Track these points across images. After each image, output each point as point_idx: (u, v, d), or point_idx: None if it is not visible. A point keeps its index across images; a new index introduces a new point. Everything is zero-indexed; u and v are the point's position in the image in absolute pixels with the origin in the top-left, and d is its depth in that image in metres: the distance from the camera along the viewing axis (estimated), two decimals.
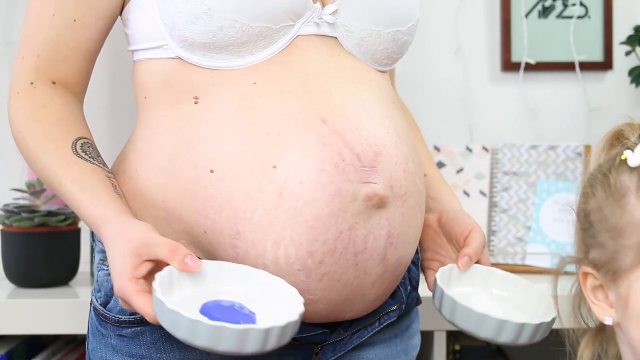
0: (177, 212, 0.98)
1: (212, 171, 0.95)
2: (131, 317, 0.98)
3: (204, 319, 0.81)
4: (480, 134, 1.92)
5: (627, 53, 1.81)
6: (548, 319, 0.99)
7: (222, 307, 0.87)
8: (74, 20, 1.00)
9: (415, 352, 1.13)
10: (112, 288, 1.00)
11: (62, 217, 1.55)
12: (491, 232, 1.76)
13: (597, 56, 1.91)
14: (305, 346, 1.01)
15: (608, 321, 0.85)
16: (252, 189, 0.93)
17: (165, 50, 0.98)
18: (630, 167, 0.83)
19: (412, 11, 1.06)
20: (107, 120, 1.80)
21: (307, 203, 0.92)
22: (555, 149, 1.79)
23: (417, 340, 1.14)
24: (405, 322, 1.11)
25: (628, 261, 0.81)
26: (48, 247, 1.54)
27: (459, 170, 1.81)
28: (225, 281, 0.91)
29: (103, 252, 1.03)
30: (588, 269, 0.87)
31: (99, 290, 1.02)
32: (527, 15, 1.90)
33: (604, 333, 0.90)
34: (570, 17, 1.91)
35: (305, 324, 0.99)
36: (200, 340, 0.81)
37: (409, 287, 1.10)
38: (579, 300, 0.92)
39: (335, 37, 1.02)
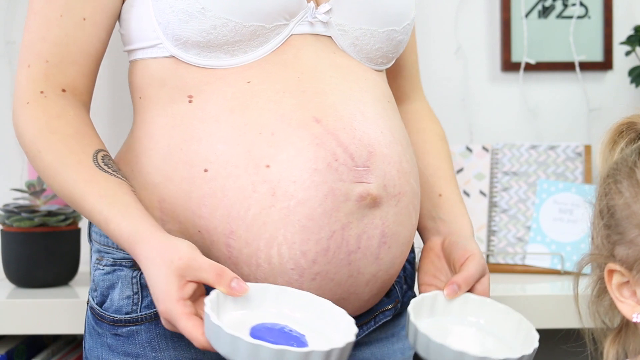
0: (173, 213, 0.98)
1: (206, 170, 0.95)
2: (127, 316, 0.98)
3: (265, 344, 0.80)
4: (480, 134, 1.92)
5: (627, 53, 1.81)
6: (529, 350, 0.93)
7: (271, 330, 0.86)
8: (84, 19, 0.99)
9: (412, 352, 1.13)
10: (108, 287, 1.00)
11: (62, 217, 1.55)
12: (491, 232, 1.76)
13: (597, 56, 1.91)
14: None
15: (636, 318, 0.83)
16: (245, 188, 0.93)
17: (160, 49, 0.98)
18: None
19: (407, 10, 1.05)
20: (107, 121, 1.80)
21: (300, 202, 0.92)
22: (555, 149, 1.79)
23: None
24: (402, 321, 1.11)
25: None
26: (48, 247, 1.54)
27: (459, 170, 1.81)
28: (270, 304, 0.90)
29: (99, 251, 1.03)
30: (614, 267, 0.85)
31: (95, 290, 1.02)
32: (527, 15, 1.90)
33: (627, 330, 0.89)
34: (570, 17, 1.91)
35: None
36: (240, 356, 0.80)
37: (404, 286, 1.10)
38: (598, 298, 0.90)
39: (330, 37, 1.02)
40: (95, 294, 1.02)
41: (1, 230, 1.57)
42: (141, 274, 0.98)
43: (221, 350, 0.82)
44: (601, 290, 0.88)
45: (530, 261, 1.72)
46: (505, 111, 1.93)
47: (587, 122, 1.93)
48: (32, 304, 1.46)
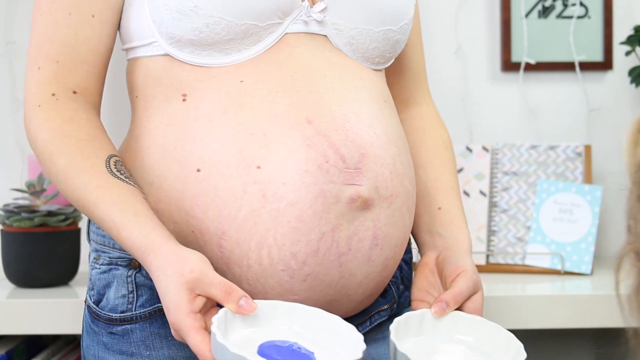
0: (168, 213, 0.98)
1: (198, 170, 0.95)
2: (122, 314, 0.99)
3: (251, 358, 0.79)
4: (480, 134, 1.92)
5: (627, 53, 1.81)
6: None
7: (280, 348, 0.86)
8: (93, 16, 0.99)
9: None
10: (104, 286, 1.01)
11: (62, 217, 1.55)
12: (491, 232, 1.76)
13: (597, 56, 1.91)
14: None
15: None
16: (236, 189, 0.93)
17: (155, 47, 0.98)
18: None
19: (405, 9, 1.05)
20: (106, 120, 1.80)
21: (290, 204, 0.92)
22: (555, 149, 1.79)
23: None
24: None
25: None
26: (48, 247, 1.54)
27: (459, 170, 1.80)
28: (280, 321, 0.90)
29: (96, 250, 1.04)
30: None
31: (92, 289, 1.03)
32: (527, 15, 1.90)
33: None
34: (570, 17, 1.91)
35: None
36: None
37: (401, 287, 1.10)
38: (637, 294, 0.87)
39: (326, 36, 1.01)
40: (92, 292, 1.02)
41: (1, 230, 1.57)
42: (136, 273, 0.99)
43: None
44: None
45: (530, 261, 1.72)
46: (505, 111, 1.93)
47: (587, 122, 1.93)
48: (32, 304, 1.46)
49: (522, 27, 1.90)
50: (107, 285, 1.01)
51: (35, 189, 1.58)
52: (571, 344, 1.93)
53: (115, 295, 1.00)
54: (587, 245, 1.70)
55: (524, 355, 0.94)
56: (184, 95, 0.98)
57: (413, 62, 1.19)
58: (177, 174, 0.96)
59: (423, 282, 1.05)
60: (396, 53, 1.07)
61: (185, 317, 0.85)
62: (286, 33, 0.98)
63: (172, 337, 0.97)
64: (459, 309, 1.00)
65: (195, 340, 0.85)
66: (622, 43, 1.81)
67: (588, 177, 1.77)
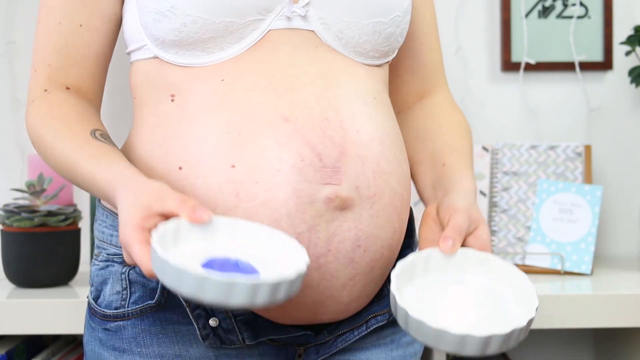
0: None
1: (180, 168, 0.95)
2: (115, 311, 0.99)
3: (212, 275, 0.78)
4: (480, 134, 1.92)
5: (627, 53, 1.81)
6: (522, 323, 0.86)
7: (224, 265, 0.85)
8: (80, 25, 1.02)
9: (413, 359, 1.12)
10: (101, 282, 1.02)
11: (62, 217, 1.55)
12: (491, 232, 1.76)
13: (597, 56, 1.92)
14: (287, 347, 1.01)
15: None
16: (212, 188, 0.93)
17: (146, 50, 1.00)
18: None
19: (395, 1, 1.02)
20: (107, 121, 1.80)
21: (262, 203, 0.92)
22: (555, 149, 1.79)
23: (417, 347, 1.11)
24: (401, 328, 1.09)
25: None
26: (48, 247, 1.54)
27: None
28: (236, 239, 0.88)
29: (97, 247, 1.05)
30: None
31: (92, 285, 1.04)
32: (527, 15, 1.90)
33: None
34: (570, 17, 1.91)
35: (286, 326, 0.99)
36: (185, 287, 0.79)
37: None
38: None
39: (313, 31, 0.99)
40: (92, 288, 1.04)
41: (1, 230, 1.57)
42: (130, 269, 0.99)
43: (167, 282, 0.80)
44: None
45: (530, 261, 1.72)
46: (505, 111, 1.93)
47: (587, 122, 1.93)
48: (32, 304, 1.46)
49: (522, 27, 1.90)
50: (104, 282, 1.01)
51: (35, 189, 1.58)
52: (571, 344, 1.93)
53: (110, 292, 1.00)
54: (587, 245, 1.70)
55: (535, 304, 0.89)
56: (172, 95, 0.98)
57: (429, 59, 1.17)
58: (162, 173, 0.97)
59: (427, 233, 1.00)
60: (392, 47, 1.05)
61: (132, 231, 0.84)
62: (270, 30, 0.98)
63: (163, 334, 0.98)
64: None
65: (139, 251, 0.83)
66: (622, 43, 1.82)
67: (588, 177, 1.77)
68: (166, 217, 0.86)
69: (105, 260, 1.02)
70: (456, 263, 0.95)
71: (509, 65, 1.90)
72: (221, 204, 0.92)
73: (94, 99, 1.05)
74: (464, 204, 0.99)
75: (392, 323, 1.07)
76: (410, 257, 0.93)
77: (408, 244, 1.10)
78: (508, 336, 0.85)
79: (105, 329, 1.00)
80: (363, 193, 0.95)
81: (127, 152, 1.03)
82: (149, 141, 0.99)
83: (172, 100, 0.98)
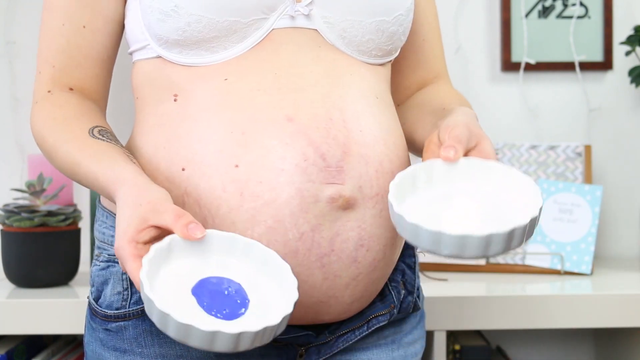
0: None
1: (183, 169, 0.95)
2: (116, 311, 0.99)
3: (196, 324, 0.79)
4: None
5: (627, 53, 1.81)
6: (524, 221, 0.83)
7: (213, 292, 0.85)
8: (83, 27, 1.02)
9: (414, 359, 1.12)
10: (102, 283, 1.02)
11: (62, 217, 1.55)
12: None
13: (597, 56, 1.92)
14: (288, 347, 1.01)
15: None
16: (216, 188, 0.93)
17: (149, 50, 1.00)
18: None
19: (397, 0, 1.02)
20: (110, 120, 1.80)
21: (266, 203, 0.92)
22: (555, 149, 1.79)
23: (418, 348, 1.12)
24: (405, 327, 1.09)
25: None
26: (48, 247, 1.54)
27: None
28: (231, 254, 0.89)
29: (98, 247, 1.05)
30: None
31: (93, 285, 1.04)
32: (527, 15, 1.90)
33: None
34: (570, 17, 1.91)
35: (288, 326, 0.98)
36: (171, 331, 0.80)
37: (402, 292, 1.07)
38: None
39: (316, 30, 0.99)
40: (93, 289, 1.04)
41: (1, 230, 1.57)
42: None
43: (154, 319, 0.81)
44: None
45: (530, 261, 1.72)
46: (505, 111, 1.93)
47: (587, 122, 1.93)
48: (32, 304, 1.46)
49: (522, 27, 1.90)
50: (105, 282, 1.01)
51: (35, 189, 1.58)
52: (571, 344, 1.93)
53: (111, 292, 1.00)
54: (587, 245, 1.70)
55: (540, 203, 0.86)
56: (175, 95, 0.98)
57: (430, 54, 1.18)
58: (166, 174, 0.96)
59: (431, 157, 0.97)
60: (395, 46, 1.05)
61: (126, 244, 0.85)
62: (273, 29, 0.98)
63: (164, 335, 0.98)
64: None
65: (132, 267, 0.84)
66: (622, 43, 1.82)
67: (588, 177, 1.77)
68: (161, 230, 0.87)
69: (106, 261, 1.02)
70: (459, 172, 0.92)
71: (509, 65, 1.90)
72: (225, 204, 0.92)
73: (98, 99, 1.05)
74: (463, 119, 0.96)
75: (393, 323, 1.07)
76: (411, 168, 0.91)
77: (411, 254, 1.10)
78: (509, 235, 0.83)
79: (107, 330, 1.00)
80: (366, 193, 0.95)
81: (129, 153, 1.03)
82: (152, 141, 0.99)
83: (175, 100, 0.98)
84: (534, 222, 0.85)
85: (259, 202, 0.92)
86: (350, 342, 1.03)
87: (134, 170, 0.92)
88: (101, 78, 1.05)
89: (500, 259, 1.74)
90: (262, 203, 0.92)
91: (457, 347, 1.62)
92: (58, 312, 1.45)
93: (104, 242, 1.03)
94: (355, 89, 0.99)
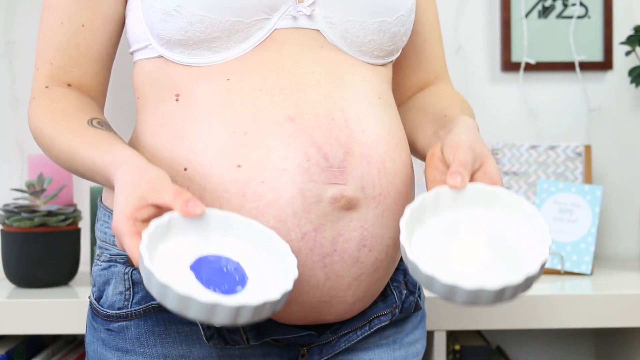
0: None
1: (185, 169, 0.95)
2: (118, 311, 0.99)
3: (195, 295, 0.78)
4: (480, 134, 1.91)
5: (627, 53, 1.81)
6: (535, 269, 0.84)
7: (212, 269, 0.85)
8: (82, 26, 1.02)
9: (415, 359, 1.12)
10: (104, 283, 1.02)
11: (62, 217, 1.55)
12: None
13: (597, 56, 1.92)
14: (290, 347, 1.01)
15: None
16: (218, 188, 0.93)
17: (150, 50, 1.00)
18: None
19: (399, 0, 1.02)
20: (111, 120, 1.80)
21: (268, 203, 0.92)
22: (555, 149, 1.79)
23: (419, 347, 1.12)
24: (406, 327, 1.09)
25: None
26: (48, 247, 1.54)
27: None
28: (229, 234, 0.88)
29: (100, 247, 1.05)
30: None
31: (94, 285, 1.04)
32: (527, 15, 1.90)
33: None
34: (570, 17, 1.91)
35: (289, 326, 0.99)
36: (169, 303, 0.80)
37: (404, 292, 1.07)
38: None
39: (318, 30, 1.00)
40: (94, 289, 1.04)
41: (1, 230, 1.57)
42: (133, 270, 0.99)
43: (153, 292, 0.81)
44: None
45: None
46: (505, 111, 1.93)
47: (587, 122, 1.93)
48: (32, 304, 1.46)
49: (522, 27, 1.90)
50: (107, 282, 1.01)
51: (35, 189, 1.58)
52: (571, 344, 1.93)
53: (113, 292, 1.00)
54: (587, 245, 1.70)
55: (549, 241, 0.87)
56: (177, 95, 0.98)
57: (431, 54, 1.18)
58: (168, 173, 0.96)
59: (435, 173, 0.97)
60: (397, 46, 1.05)
61: (124, 222, 0.85)
62: (275, 29, 0.98)
63: (166, 335, 0.98)
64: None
65: (130, 244, 0.83)
66: (622, 43, 1.82)
67: (588, 177, 1.77)
68: (160, 208, 0.86)
69: (108, 261, 1.02)
70: (466, 199, 0.92)
71: (509, 65, 1.90)
72: (227, 204, 0.92)
73: (96, 96, 1.05)
74: (467, 139, 0.96)
75: (395, 323, 1.08)
76: (419, 199, 0.91)
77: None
78: (523, 284, 0.84)
79: (108, 330, 1.00)
80: (368, 193, 0.95)
81: None
82: (153, 141, 0.99)
83: (177, 100, 0.98)
84: (543, 266, 0.86)
85: (261, 202, 0.92)
86: (352, 342, 1.03)
87: (133, 152, 0.91)
88: (100, 76, 1.05)
89: None
90: (264, 203, 0.92)
91: (457, 347, 1.62)
92: (58, 312, 1.45)
93: (106, 242, 1.03)
94: (357, 89, 0.99)
